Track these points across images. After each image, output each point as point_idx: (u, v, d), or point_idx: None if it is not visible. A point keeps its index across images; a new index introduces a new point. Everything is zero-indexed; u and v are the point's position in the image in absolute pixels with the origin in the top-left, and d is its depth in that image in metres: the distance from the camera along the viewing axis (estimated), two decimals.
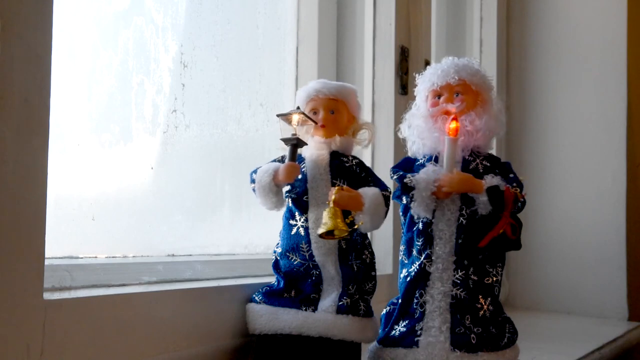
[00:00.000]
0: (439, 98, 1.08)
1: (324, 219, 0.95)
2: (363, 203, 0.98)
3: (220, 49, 1.26)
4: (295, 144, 1.00)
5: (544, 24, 2.19)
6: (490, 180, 1.01)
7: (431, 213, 1.03)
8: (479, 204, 1.01)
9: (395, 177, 1.05)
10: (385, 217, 1.02)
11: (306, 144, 1.03)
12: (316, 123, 1.04)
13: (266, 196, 1.01)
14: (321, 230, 0.95)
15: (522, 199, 1.02)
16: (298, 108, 1.02)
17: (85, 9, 1.02)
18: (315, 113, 1.05)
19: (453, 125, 1.03)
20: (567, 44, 2.14)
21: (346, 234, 0.96)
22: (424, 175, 1.02)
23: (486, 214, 1.00)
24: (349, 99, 1.06)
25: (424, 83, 1.10)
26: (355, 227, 0.98)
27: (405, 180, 1.03)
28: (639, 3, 2.10)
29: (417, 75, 1.12)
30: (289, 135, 1.01)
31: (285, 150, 1.01)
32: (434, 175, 1.02)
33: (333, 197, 0.96)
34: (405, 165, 1.09)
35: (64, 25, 0.97)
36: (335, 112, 1.05)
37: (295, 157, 1.00)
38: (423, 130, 1.07)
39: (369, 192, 0.99)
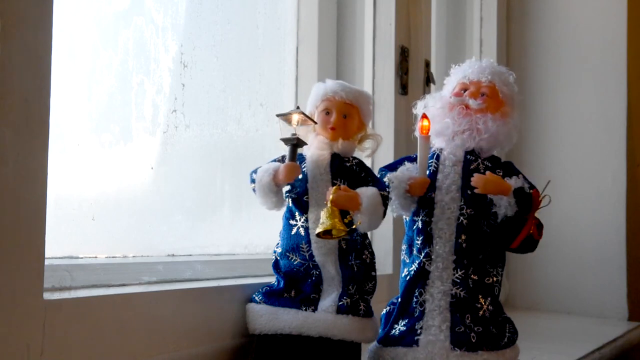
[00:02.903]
0: (464, 92, 1.08)
1: (322, 219, 0.95)
2: (360, 203, 0.98)
3: (220, 49, 1.25)
4: (295, 144, 1.00)
5: (544, 24, 2.19)
6: (515, 182, 1.01)
7: (409, 211, 1.04)
8: (501, 206, 1.01)
9: (379, 175, 1.07)
10: (384, 217, 1.02)
11: (306, 144, 1.03)
12: (316, 123, 1.04)
13: (266, 196, 1.00)
14: (319, 230, 0.95)
15: (547, 202, 1.02)
16: (298, 107, 1.02)
17: (85, 9, 1.02)
18: (327, 113, 1.04)
19: (425, 123, 1.04)
20: (567, 44, 2.14)
21: (344, 233, 0.96)
22: (398, 174, 1.04)
23: (512, 215, 1.00)
24: (363, 106, 1.06)
25: (457, 74, 1.11)
26: (354, 227, 0.98)
27: (384, 179, 1.04)
28: (639, 3, 2.10)
29: (453, 65, 1.13)
30: (288, 135, 1.01)
31: (285, 150, 1.01)
32: (408, 174, 1.04)
33: (331, 196, 0.96)
34: (398, 165, 1.09)
35: (64, 25, 0.97)
36: (347, 116, 1.04)
37: (295, 156, 1.00)
38: (436, 113, 1.07)
39: (367, 192, 0.99)
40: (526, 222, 0.99)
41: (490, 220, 1.03)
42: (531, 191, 1.00)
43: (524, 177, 1.04)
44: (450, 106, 1.07)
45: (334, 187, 0.97)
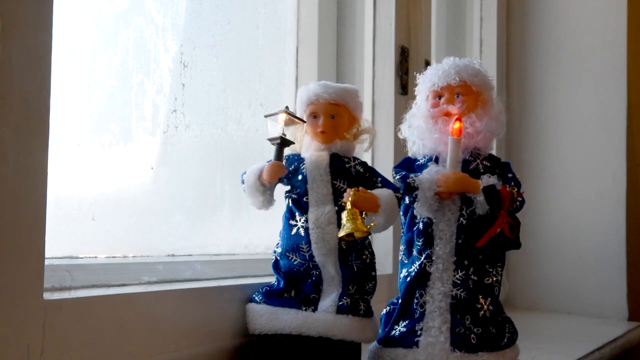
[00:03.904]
0: (439, 99, 1.08)
1: (343, 221, 0.95)
2: (379, 205, 0.98)
3: (220, 49, 1.26)
4: (281, 143, 1.00)
5: (544, 24, 2.18)
6: (487, 180, 1.01)
7: (434, 213, 1.04)
8: (476, 204, 1.01)
9: (397, 177, 1.06)
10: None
11: (293, 143, 1.03)
12: (304, 122, 1.04)
13: (254, 196, 1.02)
14: (342, 233, 0.95)
15: (520, 198, 1.02)
16: (287, 107, 1.02)
17: (85, 9, 1.02)
18: (315, 117, 1.05)
19: (457, 125, 1.03)
20: (567, 44, 2.14)
21: (366, 234, 0.96)
22: (427, 176, 1.03)
23: (484, 213, 1.01)
24: (351, 102, 1.06)
25: (425, 83, 1.10)
26: (368, 227, 0.98)
27: (408, 181, 1.03)
28: (639, 3, 2.10)
29: (417, 75, 1.12)
30: (275, 135, 1.01)
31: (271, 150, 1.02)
32: (437, 176, 1.02)
33: (350, 198, 0.96)
34: (406, 165, 1.09)
35: (64, 25, 0.97)
36: (335, 116, 1.04)
37: (281, 156, 1.01)
38: (423, 130, 1.07)
39: (384, 194, 0.99)
40: (495, 220, 0.99)
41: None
42: (499, 188, 1.00)
43: (514, 178, 1.04)
44: (433, 120, 1.07)
45: (353, 189, 0.97)
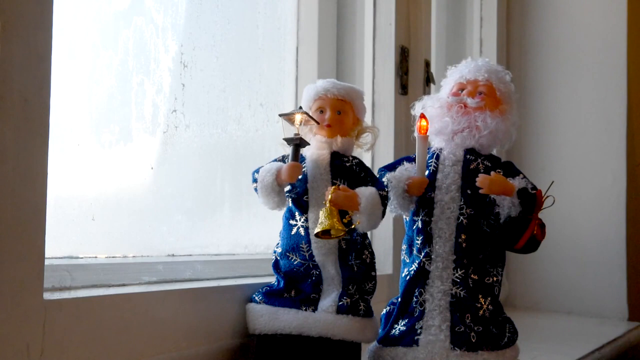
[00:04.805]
0: (462, 91, 1.08)
1: (321, 219, 0.96)
2: (359, 203, 0.98)
3: (220, 49, 1.25)
4: (298, 143, 1.00)
5: (544, 24, 2.18)
6: (518, 182, 1.01)
7: (408, 211, 1.05)
8: (504, 206, 1.01)
9: (378, 176, 1.07)
10: (383, 217, 1.02)
11: (309, 144, 1.03)
12: (319, 123, 1.04)
13: (268, 196, 1.00)
14: (317, 230, 0.95)
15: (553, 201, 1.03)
16: (300, 108, 1.02)
17: (85, 9, 1.02)
18: (322, 112, 1.05)
19: (424, 123, 1.04)
20: (567, 44, 2.14)
21: (342, 233, 0.96)
22: (397, 174, 1.04)
23: (515, 215, 1.00)
24: (356, 101, 1.07)
25: (454, 74, 1.11)
26: (352, 226, 0.98)
27: (383, 179, 1.04)
28: (639, 3, 2.10)
29: (448, 67, 1.14)
30: (291, 135, 1.01)
31: (288, 150, 1.01)
32: (406, 173, 1.04)
33: (329, 196, 0.96)
34: (398, 165, 1.09)
35: (64, 25, 0.97)
36: (342, 112, 1.05)
37: (298, 156, 1.00)
38: (435, 113, 1.07)
39: (365, 192, 0.99)
40: (530, 223, 0.99)
41: (490, 220, 1.03)
42: (535, 192, 1.00)
43: (525, 177, 1.04)
44: (448, 106, 1.07)
45: (333, 187, 0.97)
